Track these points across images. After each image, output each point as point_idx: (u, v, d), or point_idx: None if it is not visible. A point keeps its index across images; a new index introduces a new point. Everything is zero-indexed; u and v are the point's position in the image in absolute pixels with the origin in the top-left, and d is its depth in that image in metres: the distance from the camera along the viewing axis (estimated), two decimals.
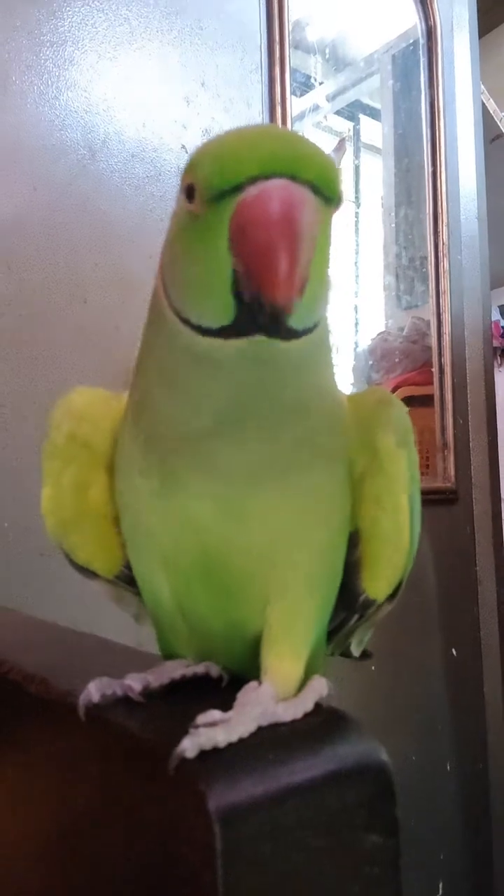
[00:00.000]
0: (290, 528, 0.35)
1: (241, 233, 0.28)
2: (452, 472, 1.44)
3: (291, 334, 0.30)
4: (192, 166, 0.30)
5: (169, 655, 0.40)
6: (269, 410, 0.32)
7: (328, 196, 0.29)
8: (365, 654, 0.49)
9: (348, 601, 0.40)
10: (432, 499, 1.42)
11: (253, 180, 0.28)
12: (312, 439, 0.35)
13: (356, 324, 1.87)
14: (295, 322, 0.29)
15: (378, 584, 0.39)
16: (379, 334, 1.75)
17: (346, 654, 0.48)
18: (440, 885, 1.32)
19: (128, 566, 0.41)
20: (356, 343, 1.83)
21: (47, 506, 0.42)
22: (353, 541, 0.39)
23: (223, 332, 0.30)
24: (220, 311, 0.30)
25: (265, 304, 0.28)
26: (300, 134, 0.31)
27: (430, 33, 1.48)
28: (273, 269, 0.27)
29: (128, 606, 0.45)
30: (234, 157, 0.28)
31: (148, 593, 0.39)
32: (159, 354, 0.34)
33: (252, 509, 0.34)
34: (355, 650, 0.45)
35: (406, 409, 0.39)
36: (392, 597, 0.40)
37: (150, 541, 0.36)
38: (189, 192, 0.30)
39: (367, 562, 0.39)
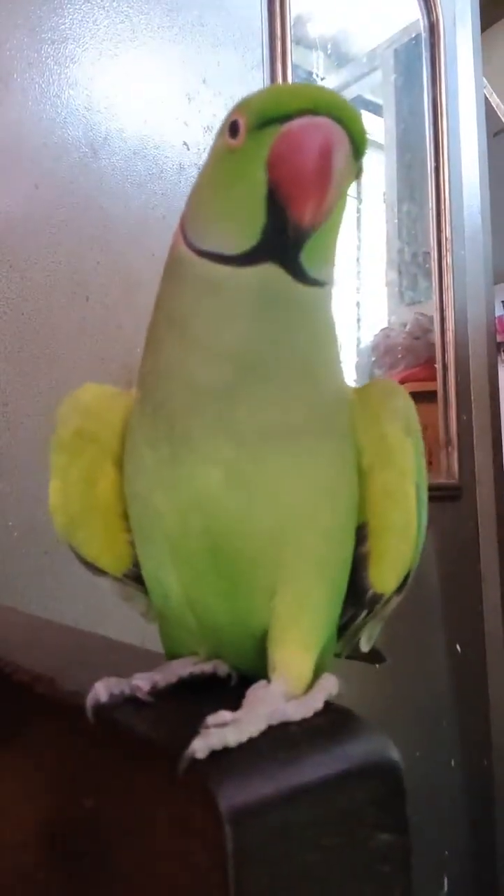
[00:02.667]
0: (298, 506, 0.34)
1: (281, 156, 0.31)
2: (456, 469, 1.44)
3: (302, 275, 0.32)
4: (242, 103, 0.33)
5: (173, 655, 0.40)
6: (282, 363, 0.33)
7: (357, 151, 0.32)
8: (379, 658, 0.49)
9: (356, 597, 0.40)
10: (436, 495, 1.41)
11: (301, 114, 0.31)
12: (325, 410, 0.35)
13: (359, 320, 1.87)
14: (308, 261, 0.32)
15: (386, 577, 0.39)
16: (382, 330, 1.75)
17: (360, 657, 0.48)
18: (445, 881, 1.32)
19: (136, 564, 0.41)
20: (359, 339, 1.83)
21: (55, 500, 0.41)
22: (360, 536, 0.38)
23: (239, 261, 0.32)
24: (246, 231, 0.32)
25: (290, 225, 0.30)
26: None
27: (433, 28, 1.47)
28: (305, 191, 0.30)
29: (136, 604, 0.45)
30: (287, 93, 0.33)
31: (155, 587, 0.38)
32: (171, 303, 0.35)
33: (261, 480, 0.34)
34: (365, 646, 0.44)
35: (410, 399, 0.39)
36: (399, 590, 0.40)
37: (157, 527, 0.36)
38: (233, 127, 0.32)
39: (375, 555, 0.39)
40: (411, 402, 0.39)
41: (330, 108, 0.31)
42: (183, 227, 0.35)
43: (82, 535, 0.42)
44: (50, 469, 0.41)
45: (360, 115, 0.32)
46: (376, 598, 0.40)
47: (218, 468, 0.33)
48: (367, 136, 0.32)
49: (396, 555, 0.38)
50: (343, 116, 0.31)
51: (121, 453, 0.40)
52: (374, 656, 0.49)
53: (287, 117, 0.31)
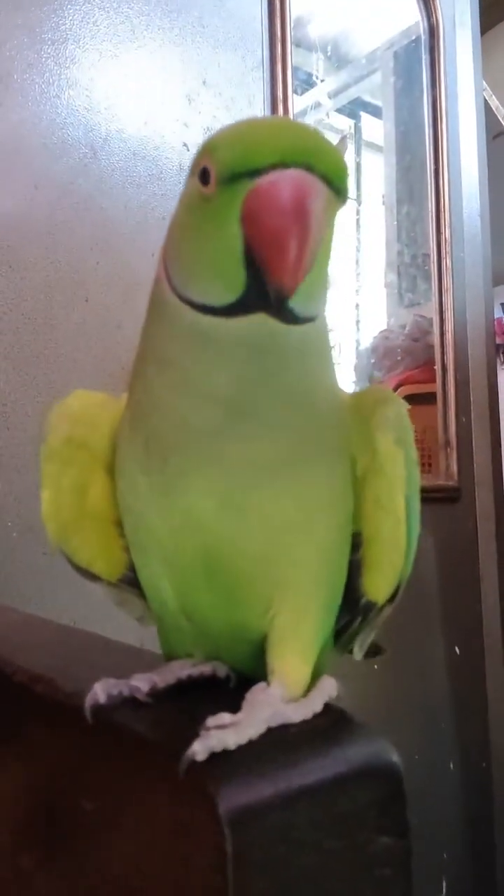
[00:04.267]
0: (291, 526, 0.34)
1: (254, 216, 0.29)
2: (455, 470, 1.44)
3: (292, 318, 0.31)
4: (209, 149, 0.31)
5: (171, 657, 0.40)
6: (273, 402, 0.33)
7: (338, 190, 0.31)
8: (377, 651, 0.49)
9: (350, 603, 0.40)
10: (435, 497, 1.41)
11: (270, 167, 0.29)
12: (316, 434, 0.35)
13: (358, 322, 1.87)
14: (297, 305, 0.30)
15: (378, 585, 0.39)
16: (381, 332, 1.75)
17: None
18: (443, 884, 1.32)
19: (131, 569, 0.41)
20: (358, 341, 1.83)
21: (47, 510, 0.41)
22: (355, 542, 0.38)
23: (226, 311, 0.31)
24: (228, 286, 0.31)
25: (269, 287, 0.29)
26: (315, 128, 0.32)
27: (433, 30, 1.47)
28: (281, 256, 0.29)
29: (131, 609, 0.45)
30: (254, 144, 0.30)
31: (152, 595, 0.38)
32: (160, 344, 0.34)
33: (254, 505, 0.34)
34: (358, 653, 0.44)
35: (405, 407, 0.38)
36: (391, 600, 0.40)
37: (152, 541, 0.36)
38: (203, 174, 0.31)
39: (367, 564, 0.39)
40: (404, 411, 0.38)
41: (301, 157, 0.29)
42: (165, 265, 0.34)
43: (75, 542, 0.42)
44: (41, 477, 0.41)
45: (336, 152, 0.31)
46: (370, 606, 0.40)
47: (211, 498, 0.34)
48: (346, 173, 0.31)
49: (388, 564, 0.38)
50: (316, 162, 0.29)
51: (113, 460, 0.39)
52: (373, 649, 0.49)
53: (256, 171, 0.29)
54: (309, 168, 0.29)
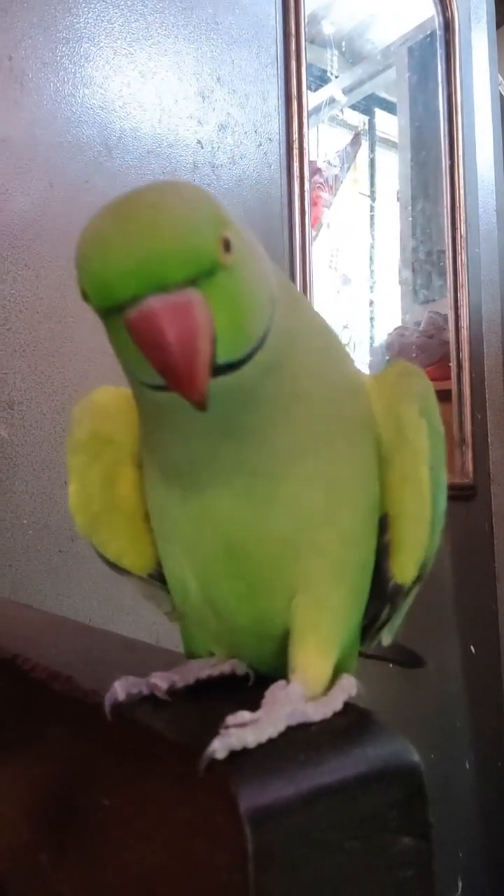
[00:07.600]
0: (314, 508, 0.34)
1: (139, 350, 0.29)
2: (470, 468, 1.43)
3: (229, 368, 0.30)
4: (78, 274, 0.30)
5: (193, 654, 0.40)
6: (255, 425, 0.33)
7: (197, 273, 0.29)
8: (418, 662, 0.49)
9: (378, 591, 0.39)
10: (450, 494, 1.40)
11: (128, 303, 0.29)
12: (329, 418, 0.34)
13: (372, 319, 1.87)
14: (226, 357, 0.30)
15: (405, 565, 0.38)
16: (396, 329, 1.74)
17: (399, 662, 0.47)
18: (459, 883, 1.31)
19: (160, 564, 0.41)
20: (372, 338, 1.82)
21: (75, 501, 0.41)
22: (382, 526, 0.38)
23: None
24: (153, 374, 0.30)
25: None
26: (156, 223, 0.30)
27: (448, 25, 1.46)
28: (174, 384, 0.29)
29: (160, 603, 0.45)
30: (104, 284, 0.29)
31: (176, 586, 0.38)
32: (141, 404, 0.35)
33: (275, 493, 0.34)
34: (386, 639, 0.44)
35: (428, 380, 0.38)
36: (418, 579, 0.40)
37: (175, 532, 0.37)
38: (85, 296, 0.31)
39: (395, 544, 0.38)
40: (429, 383, 0.38)
41: (147, 284, 0.28)
42: None
43: (104, 536, 0.42)
44: (68, 471, 0.41)
45: (174, 244, 0.28)
46: (397, 590, 0.39)
47: (230, 493, 0.34)
48: (189, 257, 0.29)
49: (414, 541, 0.38)
50: (163, 278, 0.28)
51: (139, 455, 0.40)
52: (413, 660, 0.49)
53: (119, 307, 0.29)
54: (161, 288, 0.28)
